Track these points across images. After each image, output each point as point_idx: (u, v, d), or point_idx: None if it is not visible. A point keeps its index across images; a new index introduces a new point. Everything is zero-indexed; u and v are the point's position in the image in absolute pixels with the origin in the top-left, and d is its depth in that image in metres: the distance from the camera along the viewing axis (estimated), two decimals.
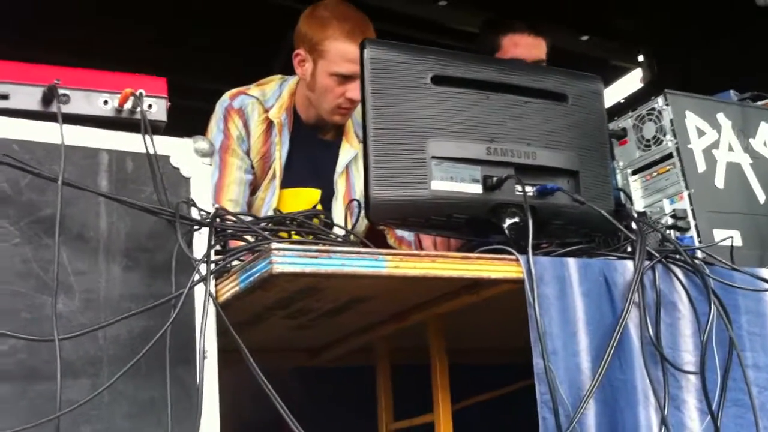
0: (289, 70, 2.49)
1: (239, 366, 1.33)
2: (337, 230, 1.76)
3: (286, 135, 2.38)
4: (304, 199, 2.41)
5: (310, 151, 2.42)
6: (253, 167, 2.36)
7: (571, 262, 1.58)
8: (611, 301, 1.59)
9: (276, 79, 2.46)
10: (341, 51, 2.28)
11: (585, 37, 4.95)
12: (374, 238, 2.15)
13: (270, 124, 2.38)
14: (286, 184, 2.36)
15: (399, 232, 2.42)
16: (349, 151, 2.45)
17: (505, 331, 1.95)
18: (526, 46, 2.59)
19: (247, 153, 2.36)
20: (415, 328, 1.81)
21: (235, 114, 2.36)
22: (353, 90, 2.28)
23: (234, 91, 2.41)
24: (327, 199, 2.41)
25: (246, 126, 2.36)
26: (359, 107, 2.35)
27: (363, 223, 2.44)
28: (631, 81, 5.23)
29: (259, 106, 2.38)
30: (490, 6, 4.24)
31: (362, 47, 1.61)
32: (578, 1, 4.44)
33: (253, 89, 2.42)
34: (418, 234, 2.28)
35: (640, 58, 5.22)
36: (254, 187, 2.37)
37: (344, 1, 2.40)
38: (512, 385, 1.96)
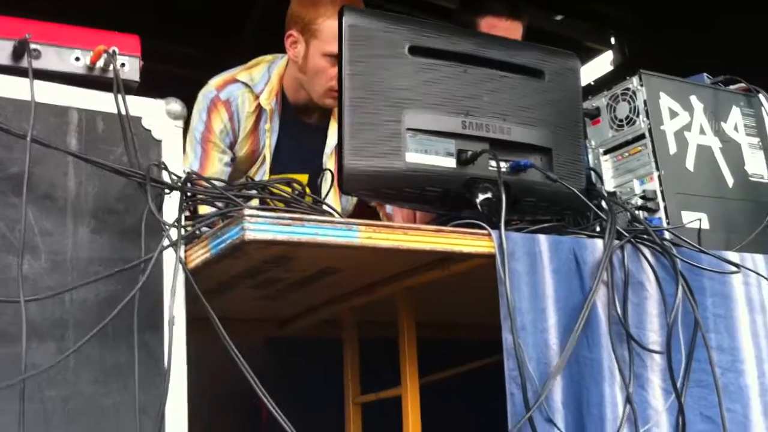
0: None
1: (207, 335, 1.32)
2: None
3: (276, 121, 2.35)
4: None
5: (298, 136, 2.38)
6: (233, 160, 2.31)
7: (542, 238, 1.58)
8: (580, 279, 1.60)
9: (263, 61, 2.41)
10: (334, 29, 2.22)
11: (559, 17, 4.96)
12: (367, 215, 2.14)
13: (261, 111, 2.34)
14: (274, 170, 2.32)
15: (389, 209, 2.41)
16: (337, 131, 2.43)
17: (474, 307, 1.96)
18: (504, 30, 2.57)
19: (231, 146, 2.32)
20: (384, 302, 1.80)
21: (221, 106, 2.30)
22: None
23: (220, 80, 2.35)
24: (314, 183, 2.38)
25: (232, 119, 2.31)
26: None
27: (353, 200, 2.43)
28: (602, 63, 5.26)
29: (249, 94, 2.33)
30: None
31: (341, 14, 1.59)
32: None
33: (241, 74, 2.36)
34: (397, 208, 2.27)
35: (612, 40, 5.26)
36: (237, 177, 2.33)
37: None
38: (480, 361, 1.97)
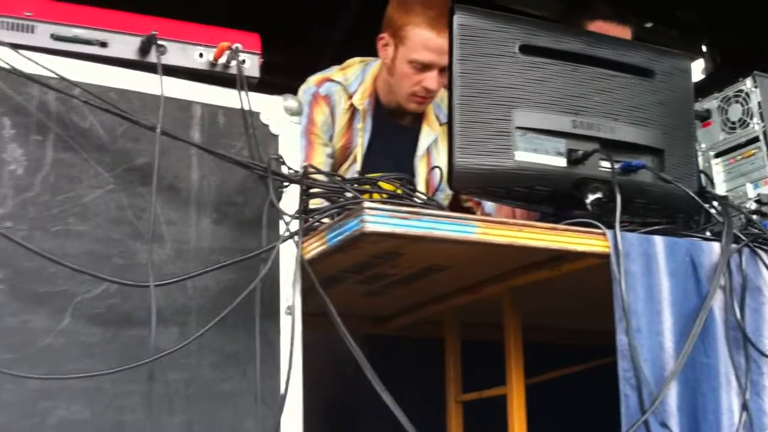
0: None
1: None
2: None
3: (368, 121, 2.37)
4: (382, 185, 2.40)
5: (389, 137, 2.39)
6: (333, 154, 2.35)
7: (658, 240, 1.55)
8: (697, 282, 1.56)
9: (356, 62, 2.44)
10: (422, 38, 2.24)
11: (649, 24, 4.86)
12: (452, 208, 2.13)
13: (354, 110, 2.37)
14: (365, 170, 2.34)
15: (487, 208, 2.39)
16: (429, 133, 2.43)
17: (578, 310, 1.93)
18: (614, 34, 2.54)
19: (330, 139, 2.35)
20: (488, 301, 1.79)
21: (322, 101, 2.34)
22: (430, 80, 2.26)
23: (318, 77, 2.39)
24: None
25: (332, 113, 2.34)
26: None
27: (446, 199, 2.42)
28: (694, 72, 5.14)
29: (344, 93, 2.37)
30: None
31: (451, 13, 1.59)
32: None
33: (336, 74, 2.40)
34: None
35: (703, 48, 5.13)
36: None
37: None
38: (586, 363, 1.94)
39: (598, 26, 2.53)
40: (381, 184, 1.52)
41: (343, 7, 4.23)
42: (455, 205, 2.40)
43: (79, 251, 1.26)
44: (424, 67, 2.26)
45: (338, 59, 2.50)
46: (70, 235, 1.26)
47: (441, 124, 2.42)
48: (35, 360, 1.20)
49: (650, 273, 1.52)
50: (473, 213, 2.47)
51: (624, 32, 2.53)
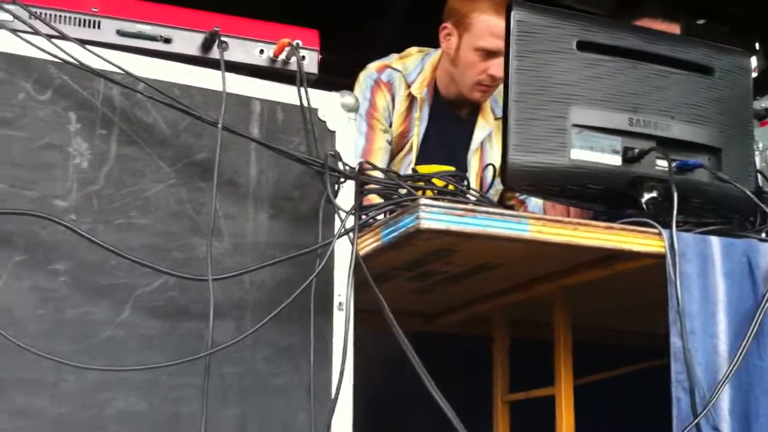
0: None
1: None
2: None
3: (426, 111, 2.37)
4: (435, 182, 2.40)
5: (446, 129, 2.40)
6: (392, 140, 2.36)
7: (715, 240, 1.53)
8: (753, 283, 1.53)
9: (414, 52, 2.45)
10: (488, 25, 2.24)
11: (701, 21, 4.77)
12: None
13: (413, 99, 2.37)
14: (420, 160, 2.35)
15: (531, 206, 2.39)
16: (484, 128, 2.43)
17: (630, 311, 1.92)
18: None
19: (390, 125, 2.36)
20: (539, 300, 1.78)
21: (384, 86, 2.36)
22: (496, 67, 2.25)
23: (379, 63, 2.41)
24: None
25: (393, 100, 2.36)
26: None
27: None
28: None
29: (404, 81, 2.38)
30: None
31: (509, 9, 1.58)
32: None
33: (396, 62, 2.41)
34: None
35: (756, 46, 5.01)
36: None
37: None
38: (636, 365, 1.92)
39: (644, 24, 2.49)
40: (435, 180, 1.52)
41: (393, 2, 4.22)
42: (500, 202, 2.39)
43: (140, 244, 1.28)
44: (490, 54, 2.26)
45: (389, 53, 2.51)
46: (132, 228, 1.28)
47: (496, 119, 2.41)
48: (96, 351, 1.23)
49: (706, 274, 1.50)
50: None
51: (672, 29, 2.49)
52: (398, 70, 2.38)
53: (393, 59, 2.42)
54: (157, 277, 1.28)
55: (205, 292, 1.27)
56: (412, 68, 2.40)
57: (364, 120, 2.31)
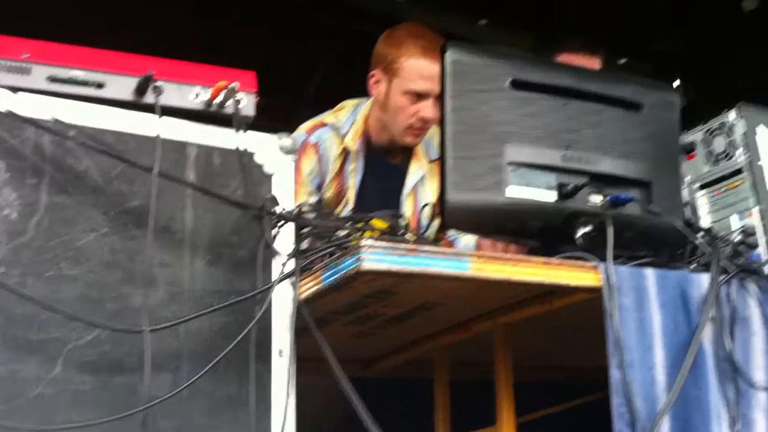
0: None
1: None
2: None
3: (360, 162, 2.37)
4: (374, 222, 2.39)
5: (381, 177, 2.40)
6: (320, 201, 2.35)
7: (650, 272, 1.56)
8: (687, 314, 1.57)
9: (349, 104, 2.45)
10: (416, 67, 2.26)
11: (623, 60, 4.92)
12: None
13: (347, 153, 2.37)
14: (357, 211, 2.34)
15: (461, 243, 2.40)
16: (417, 171, 2.44)
17: (568, 346, 1.94)
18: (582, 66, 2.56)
19: (318, 187, 2.35)
20: (479, 339, 1.78)
21: (310, 149, 2.35)
22: (426, 109, 2.27)
23: (310, 124, 2.40)
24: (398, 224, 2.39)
25: (321, 162, 2.35)
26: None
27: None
28: None
29: (337, 137, 2.37)
30: (529, 25, 4.26)
31: (443, 50, 1.60)
32: (616, 24, 4.44)
33: (328, 117, 2.41)
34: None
35: (676, 82, 5.19)
36: None
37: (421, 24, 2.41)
38: (577, 399, 1.94)
39: (566, 58, 2.55)
40: (373, 221, 1.52)
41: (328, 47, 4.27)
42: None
43: (72, 296, 1.24)
44: (420, 96, 2.28)
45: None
46: (62, 280, 1.24)
47: (430, 161, 2.43)
48: (25, 411, 1.18)
49: (642, 306, 1.53)
50: None
51: (592, 63, 2.56)
52: (329, 126, 2.39)
53: (326, 115, 2.43)
54: (89, 330, 1.24)
55: (139, 344, 1.24)
56: (344, 120, 2.40)
57: None
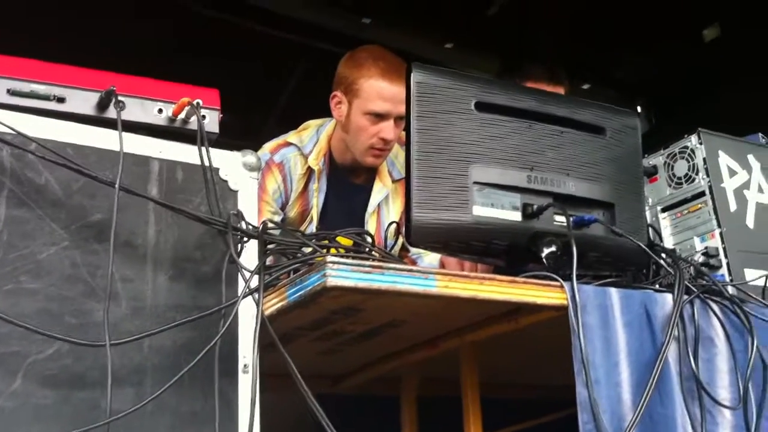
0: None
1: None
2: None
3: (323, 181, 2.39)
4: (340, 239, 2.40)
5: (345, 197, 2.42)
6: (284, 220, 2.36)
7: (614, 292, 1.57)
8: (652, 333, 1.58)
9: (313, 124, 2.48)
10: (376, 89, 2.29)
11: (586, 86, 5.01)
12: None
13: (311, 172, 2.39)
14: (321, 230, 2.35)
15: (425, 262, 2.41)
16: (381, 190, 2.45)
17: (535, 365, 1.94)
18: None
19: (283, 207, 2.36)
20: (446, 357, 1.78)
21: (275, 168, 2.36)
22: (387, 130, 2.29)
23: (273, 144, 2.42)
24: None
25: (285, 181, 2.37)
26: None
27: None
28: None
29: (300, 157, 2.39)
30: (495, 50, 4.33)
31: (409, 71, 1.62)
32: (580, 51, 4.53)
33: (292, 136, 2.43)
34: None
35: (638, 109, 5.29)
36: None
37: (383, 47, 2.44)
38: (545, 417, 1.93)
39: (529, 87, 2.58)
40: (339, 239, 1.52)
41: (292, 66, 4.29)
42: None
43: (32, 310, 1.22)
44: (380, 117, 2.30)
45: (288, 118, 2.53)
46: (22, 293, 1.22)
47: (394, 181, 2.45)
48: None
49: (606, 325, 1.54)
50: None
51: (557, 91, 2.60)
52: (293, 145, 2.40)
53: (290, 134, 2.45)
54: (50, 344, 1.21)
55: (101, 358, 1.22)
56: (307, 140, 2.42)
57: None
